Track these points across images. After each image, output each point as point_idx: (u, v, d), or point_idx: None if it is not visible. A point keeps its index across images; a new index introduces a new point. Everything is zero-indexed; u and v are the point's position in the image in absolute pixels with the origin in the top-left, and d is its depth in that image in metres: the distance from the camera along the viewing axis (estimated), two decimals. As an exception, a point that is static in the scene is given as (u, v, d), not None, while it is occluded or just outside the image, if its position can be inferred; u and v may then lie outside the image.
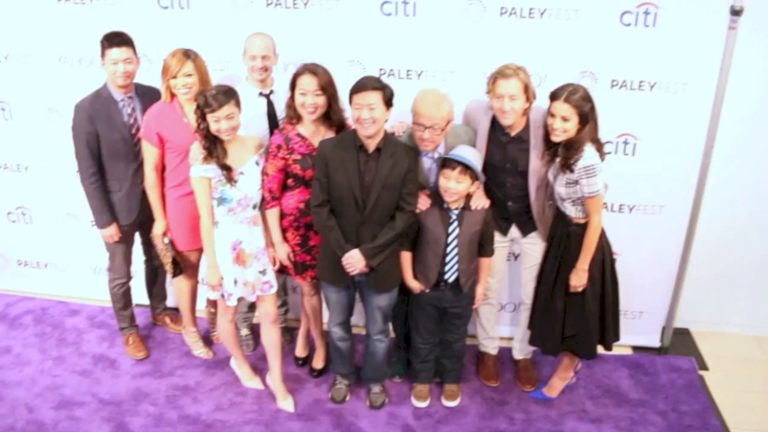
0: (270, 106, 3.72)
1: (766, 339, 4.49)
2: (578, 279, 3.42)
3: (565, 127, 3.21)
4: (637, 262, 4.03)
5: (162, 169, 3.69)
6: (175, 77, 3.50)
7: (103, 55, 3.57)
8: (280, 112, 3.66)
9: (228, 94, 3.23)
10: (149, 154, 3.64)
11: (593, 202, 3.29)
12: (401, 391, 3.95)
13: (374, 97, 3.15)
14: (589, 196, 3.27)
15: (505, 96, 3.29)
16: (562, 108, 3.19)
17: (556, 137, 3.25)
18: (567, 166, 3.26)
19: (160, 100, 3.62)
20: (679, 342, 4.40)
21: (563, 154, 3.28)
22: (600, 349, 3.64)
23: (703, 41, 3.56)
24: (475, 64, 3.72)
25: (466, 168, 3.30)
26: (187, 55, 3.49)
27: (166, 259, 3.80)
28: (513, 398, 3.91)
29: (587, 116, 3.20)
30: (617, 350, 4.00)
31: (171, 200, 3.71)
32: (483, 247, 3.55)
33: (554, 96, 3.24)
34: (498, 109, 3.34)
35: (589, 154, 3.23)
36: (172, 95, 3.58)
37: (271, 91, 3.72)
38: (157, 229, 3.78)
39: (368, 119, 3.16)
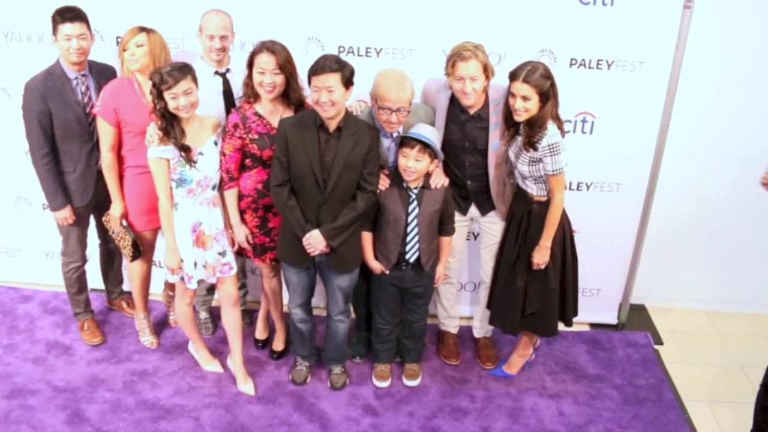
0: (226, 84, 3.64)
1: (717, 313, 4.62)
2: (541, 256, 3.44)
3: (526, 107, 3.21)
4: (595, 240, 4.08)
5: (119, 149, 3.60)
6: (125, 49, 3.43)
7: (54, 30, 3.45)
8: (237, 90, 3.59)
9: (183, 70, 3.17)
10: (105, 133, 3.54)
11: (556, 180, 3.31)
12: (362, 371, 3.95)
13: (333, 80, 3.09)
14: (552, 174, 3.29)
15: (466, 78, 3.27)
16: (522, 88, 3.19)
17: (519, 117, 3.25)
18: (531, 144, 3.27)
19: (117, 77, 3.52)
20: (636, 318, 4.51)
21: (527, 132, 3.29)
22: (560, 326, 3.68)
23: (659, 20, 3.61)
24: (434, 41, 3.71)
25: (425, 146, 3.28)
26: (143, 28, 3.42)
27: (125, 242, 3.71)
28: (473, 376, 3.95)
29: (548, 93, 3.20)
30: (575, 327, 4.06)
31: (129, 177, 3.63)
32: (443, 225, 3.55)
33: (513, 76, 3.23)
34: (459, 90, 3.33)
35: (552, 131, 3.24)
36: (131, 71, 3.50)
37: (228, 70, 3.64)
38: (114, 211, 3.67)
39: (327, 102, 3.11)
